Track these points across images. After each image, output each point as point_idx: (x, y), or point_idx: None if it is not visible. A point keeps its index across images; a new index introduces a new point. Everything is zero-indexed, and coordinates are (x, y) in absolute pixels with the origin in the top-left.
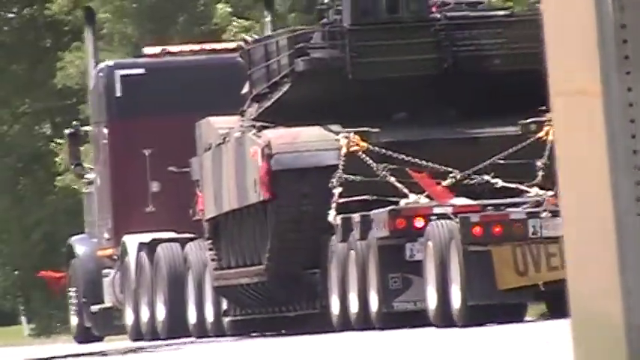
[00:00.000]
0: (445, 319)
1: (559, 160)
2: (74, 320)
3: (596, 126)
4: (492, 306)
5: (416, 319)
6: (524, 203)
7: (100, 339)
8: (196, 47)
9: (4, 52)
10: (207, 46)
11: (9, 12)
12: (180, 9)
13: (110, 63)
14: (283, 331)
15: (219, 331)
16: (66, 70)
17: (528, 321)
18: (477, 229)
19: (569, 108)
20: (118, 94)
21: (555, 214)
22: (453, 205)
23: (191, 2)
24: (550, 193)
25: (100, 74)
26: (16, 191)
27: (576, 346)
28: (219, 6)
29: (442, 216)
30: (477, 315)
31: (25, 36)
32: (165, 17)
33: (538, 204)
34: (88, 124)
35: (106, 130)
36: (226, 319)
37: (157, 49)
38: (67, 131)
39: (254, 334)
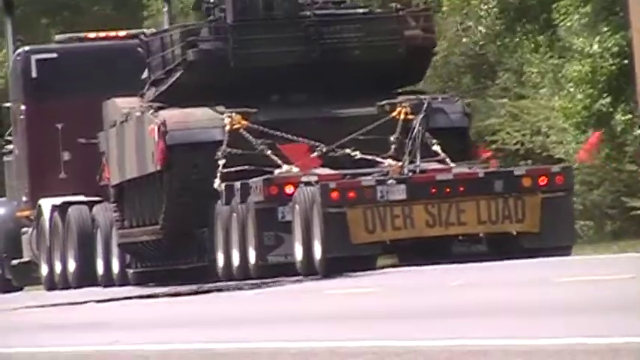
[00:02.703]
0: (310, 269)
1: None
2: None
3: None
4: (347, 258)
5: (286, 270)
6: (374, 173)
7: (19, 289)
8: (102, 34)
9: None
10: (112, 34)
11: None
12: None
13: (27, 48)
14: (178, 281)
15: (123, 282)
16: (154, 17)
17: (379, 268)
18: (335, 194)
19: None
20: (34, 75)
21: (400, 181)
22: (317, 175)
23: None
24: (398, 163)
25: (18, 58)
26: None
27: None
28: None
29: (307, 184)
30: (335, 265)
31: None
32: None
33: (386, 173)
34: (8, 102)
35: (23, 107)
36: (130, 271)
37: (67, 36)
38: None
39: (151, 284)
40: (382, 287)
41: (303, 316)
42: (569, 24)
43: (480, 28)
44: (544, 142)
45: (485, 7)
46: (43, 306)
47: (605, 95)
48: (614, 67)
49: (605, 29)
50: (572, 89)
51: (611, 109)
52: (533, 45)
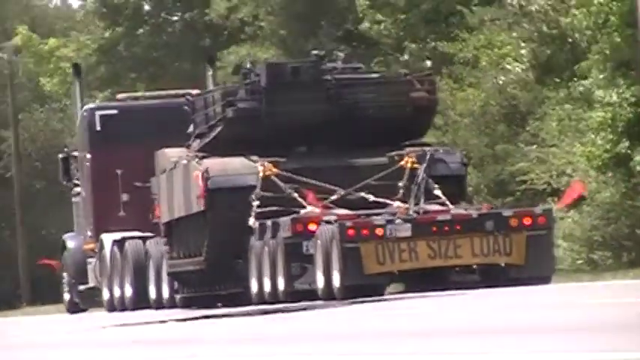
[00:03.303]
0: (329, 294)
1: None
2: (66, 296)
3: None
4: (361, 286)
5: (310, 295)
6: (384, 213)
7: (84, 310)
8: (155, 93)
9: (169, 50)
10: (164, 93)
11: (172, 15)
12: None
13: (92, 105)
14: (219, 304)
15: (172, 305)
16: (225, 70)
17: (389, 294)
18: (351, 232)
19: None
20: (98, 128)
21: (406, 220)
22: (336, 214)
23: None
24: (405, 205)
25: (85, 114)
26: None
27: None
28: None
29: (328, 222)
30: (351, 292)
31: (187, 37)
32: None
33: (394, 214)
34: (76, 151)
35: (88, 156)
36: (177, 296)
37: (126, 95)
38: (60, 155)
39: (195, 307)
40: (437, 308)
41: (386, 331)
42: (590, 80)
43: (512, 82)
44: (568, 182)
45: (518, 63)
46: (125, 325)
47: (624, 140)
48: (631, 115)
49: (622, 82)
50: (592, 135)
51: (629, 152)
52: (558, 97)
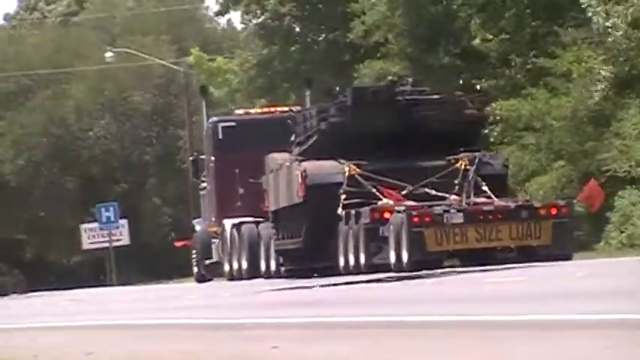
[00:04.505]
0: (400, 268)
1: None
2: (195, 269)
3: None
4: (425, 260)
5: (385, 268)
6: (442, 205)
7: (209, 280)
8: (266, 109)
9: (315, 65)
10: (273, 109)
11: (319, 35)
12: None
13: (215, 118)
14: (315, 275)
15: (278, 275)
16: (362, 78)
17: (446, 267)
18: (416, 219)
19: None
20: (220, 137)
21: (459, 210)
22: (405, 205)
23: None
24: (458, 198)
25: (210, 125)
26: None
27: None
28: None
29: (398, 212)
30: (417, 265)
31: (330, 54)
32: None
33: (450, 205)
34: (203, 154)
35: (212, 158)
36: (282, 269)
37: (243, 111)
38: (190, 158)
39: (296, 277)
40: (525, 276)
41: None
42: None
43: (598, 91)
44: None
45: (603, 73)
46: (273, 290)
47: None
48: None
49: None
50: None
51: None
52: (635, 102)
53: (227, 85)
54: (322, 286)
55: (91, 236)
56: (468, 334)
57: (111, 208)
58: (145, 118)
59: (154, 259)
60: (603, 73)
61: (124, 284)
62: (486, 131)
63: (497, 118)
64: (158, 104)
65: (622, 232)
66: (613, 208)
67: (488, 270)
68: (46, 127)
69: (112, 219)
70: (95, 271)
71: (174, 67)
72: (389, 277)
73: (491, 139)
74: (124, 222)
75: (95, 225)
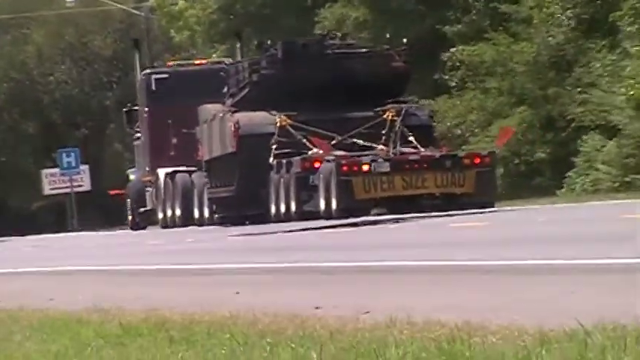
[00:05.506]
0: (329, 215)
1: None
2: (129, 217)
3: None
4: (352, 208)
5: (314, 215)
6: (370, 154)
7: (144, 227)
8: (197, 61)
9: (277, 9)
10: (205, 61)
11: None
12: None
13: (148, 71)
14: (246, 223)
15: (211, 223)
16: (323, 22)
17: (374, 214)
18: (345, 168)
19: None
20: (153, 88)
21: (386, 160)
22: (334, 155)
23: None
24: (386, 148)
25: (143, 77)
26: None
27: None
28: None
29: (328, 161)
30: (345, 212)
31: None
32: None
33: (377, 155)
34: (137, 105)
35: (146, 109)
36: (215, 216)
37: (177, 62)
38: (124, 109)
39: (228, 225)
40: (490, 221)
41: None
42: (628, 29)
43: (560, 35)
44: (606, 118)
45: (565, 17)
46: (241, 235)
47: None
48: None
49: None
50: (631, 80)
51: None
52: (600, 48)
53: (188, 29)
54: (286, 231)
55: (52, 182)
56: (436, 279)
57: (72, 154)
58: (105, 63)
59: (114, 205)
60: (563, 17)
61: (84, 230)
62: (446, 77)
63: (458, 64)
64: (118, 49)
65: (586, 175)
66: (578, 154)
67: (451, 215)
68: (6, 72)
69: (73, 164)
70: (57, 217)
71: (135, 11)
72: (350, 224)
73: (453, 84)
74: (85, 168)
75: (56, 170)
